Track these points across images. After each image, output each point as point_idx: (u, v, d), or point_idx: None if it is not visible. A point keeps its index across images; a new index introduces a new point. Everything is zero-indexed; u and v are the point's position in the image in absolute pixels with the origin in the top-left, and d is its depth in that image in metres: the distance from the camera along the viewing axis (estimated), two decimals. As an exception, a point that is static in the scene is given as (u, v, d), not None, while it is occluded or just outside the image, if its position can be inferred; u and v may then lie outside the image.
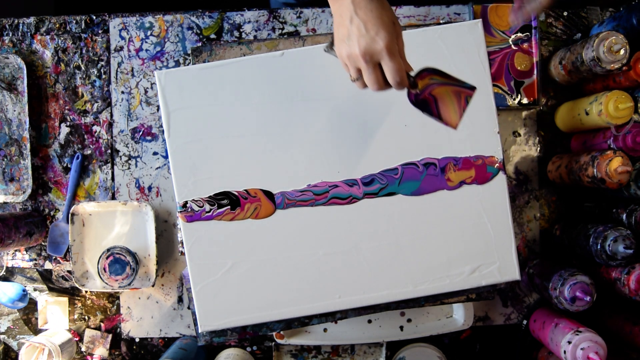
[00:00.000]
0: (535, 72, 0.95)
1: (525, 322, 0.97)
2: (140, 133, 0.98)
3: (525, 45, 0.95)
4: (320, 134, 0.74)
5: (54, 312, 0.97)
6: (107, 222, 0.96)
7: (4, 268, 0.98)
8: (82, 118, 0.98)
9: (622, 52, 0.80)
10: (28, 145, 0.95)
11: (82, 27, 0.99)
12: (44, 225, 0.98)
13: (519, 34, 0.94)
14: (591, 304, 0.80)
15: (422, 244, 0.73)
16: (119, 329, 0.98)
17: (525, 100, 0.95)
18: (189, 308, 0.98)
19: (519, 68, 0.94)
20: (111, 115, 0.98)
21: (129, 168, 0.98)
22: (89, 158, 0.98)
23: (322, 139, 0.74)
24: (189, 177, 0.74)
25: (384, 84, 0.60)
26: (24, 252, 0.98)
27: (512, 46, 0.95)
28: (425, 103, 0.64)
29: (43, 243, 0.98)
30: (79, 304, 0.99)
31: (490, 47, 0.94)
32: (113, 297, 0.98)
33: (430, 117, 0.64)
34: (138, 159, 0.98)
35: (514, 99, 0.94)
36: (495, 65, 0.94)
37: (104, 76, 0.98)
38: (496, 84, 0.94)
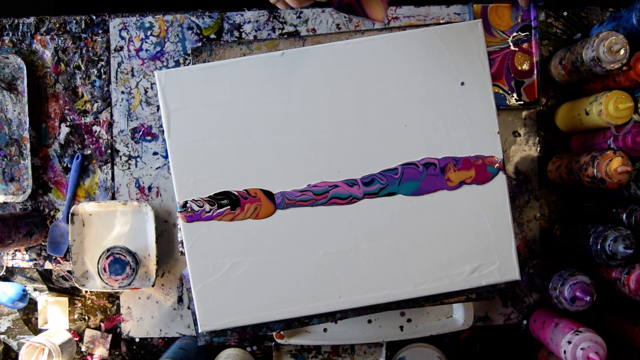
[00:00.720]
0: (535, 71, 0.95)
1: (525, 322, 0.97)
2: (140, 133, 0.98)
3: (525, 45, 0.95)
4: (320, 134, 0.74)
5: (54, 312, 0.97)
6: (107, 222, 0.96)
7: (4, 268, 0.98)
8: (82, 118, 0.98)
9: (622, 52, 0.80)
10: (28, 145, 0.95)
11: (82, 27, 0.99)
12: (44, 225, 0.98)
13: (520, 34, 0.95)
14: (591, 304, 0.80)
15: (422, 244, 0.73)
16: (119, 329, 0.98)
17: (525, 100, 0.95)
18: (189, 308, 0.98)
19: (519, 68, 0.95)
20: (111, 115, 0.98)
21: (129, 168, 0.98)
22: (89, 158, 0.98)
23: (322, 139, 0.74)
24: (189, 177, 0.73)
25: None
26: (24, 252, 0.98)
27: (512, 46, 0.96)
28: (350, 6, 0.66)
29: (43, 243, 0.98)
30: (79, 304, 0.99)
31: (490, 47, 0.95)
32: (113, 297, 0.98)
33: (357, 17, 0.67)
34: (138, 159, 0.98)
35: (514, 99, 0.95)
36: (495, 65, 0.95)
37: (104, 76, 0.99)
38: (496, 83, 0.95)
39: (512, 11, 0.95)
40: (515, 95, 0.95)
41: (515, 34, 0.96)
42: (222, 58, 0.81)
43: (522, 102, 0.95)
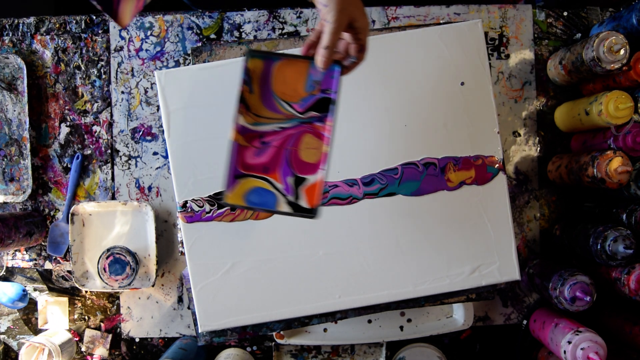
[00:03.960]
0: (321, 165, 0.63)
1: (525, 322, 0.97)
2: (140, 133, 0.98)
3: (318, 125, 0.63)
4: (320, 134, 0.73)
5: (54, 312, 0.97)
6: (107, 222, 0.96)
7: (4, 268, 0.98)
8: (82, 118, 0.98)
9: (622, 52, 0.80)
10: (28, 145, 0.95)
11: (82, 27, 0.99)
12: (44, 225, 0.98)
13: (313, 113, 0.64)
14: (591, 304, 0.80)
15: (422, 244, 0.73)
16: (119, 329, 0.98)
17: (304, 204, 0.63)
18: (189, 308, 0.98)
19: (304, 158, 0.63)
20: (111, 115, 0.98)
21: (129, 168, 0.98)
22: (89, 158, 0.98)
23: (322, 139, 0.73)
24: (189, 177, 0.73)
25: None
26: (24, 252, 0.98)
27: (300, 126, 0.64)
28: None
29: (43, 243, 0.98)
30: (79, 304, 0.99)
31: (267, 126, 0.64)
32: (113, 297, 0.98)
33: (105, 13, 0.59)
34: (138, 159, 0.98)
35: (288, 201, 0.63)
36: (271, 151, 0.64)
37: (104, 76, 0.98)
38: (267, 177, 0.63)
39: (308, 75, 0.63)
40: (291, 196, 0.63)
41: (307, 110, 0.64)
42: (222, 58, 0.81)
43: (298, 209, 0.63)
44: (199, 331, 0.76)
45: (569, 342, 0.79)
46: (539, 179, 0.99)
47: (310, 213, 0.63)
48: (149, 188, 0.98)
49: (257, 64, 0.64)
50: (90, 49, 0.99)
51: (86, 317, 0.99)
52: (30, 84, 0.96)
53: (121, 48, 0.98)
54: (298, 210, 0.63)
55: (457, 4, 0.99)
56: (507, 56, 0.99)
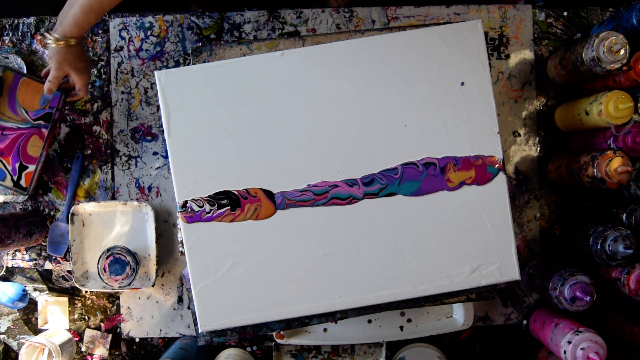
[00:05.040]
0: (38, 161, 0.93)
1: (525, 322, 0.97)
2: (140, 133, 0.98)
3: (44, 130, 0.92)
4: (320, 133, 0.74)
5: (54, 312, 0.97)
6: (107, 222, 0.96)
7: (4, 268, 0.98)
8: (82, 118, 0.98)
9: (622, 52, 0.80)
10: (28, 145, 0.95)
11: (82, 27, 0.99)
12: (44, 225, 0.98)
13: (41, 122, 0.92)
14: (591, 304, 0.80)
15: (422, 244, 0.73)
16: (119, 329, 0.98)
17: (23, 184, 0.93)
18: (189, 308, 0.98)
19: (29, 152, 0.93)
20: (111, 115, 0.98)
21: (129, 168, 0.98)
22: (89, 158, 0.98)
23: (322, 139, 0.74)
24: (189, 177, 0.73)
25: None
26: (24, 252, 0.98)
27: (31, 129, 0.93)
28: None
29: (43, 243, 0.98)
30: (79, 304, 0.99)
31: (8, 123, 0.92)
32: (113, 297, 0.98)
33: None
34: (138, 159, 0.98)
35: (11, 180, 0.93)
36: (7, 141, 0.92)
37: (104, 76, 0.99)
38: (2, 159, 0.93)
39: (43, 94, 0.91)
40: (15, 176, 0.93)
41: (38, 119, 0.92)
42: (222, 58, 0.81)
43: (17, 186, 0.93)
44: (199, 331, 0.76)
45: (569, 342, 0.79)
46: (539, 179, 0.99)
47: (24, 190, 0.93)
48: (149, 188, 0.98)
49: (10, 76, 0.91)
50: (90, 49, 0.99)
51: (86, 317, 0.99)
52: (30, 84, 0.96)
53: (121, 48, 0.98)
54: (16, 187, 0.93)
55: (457, 4, 0.99)
56: (507, 56, 0.99)
